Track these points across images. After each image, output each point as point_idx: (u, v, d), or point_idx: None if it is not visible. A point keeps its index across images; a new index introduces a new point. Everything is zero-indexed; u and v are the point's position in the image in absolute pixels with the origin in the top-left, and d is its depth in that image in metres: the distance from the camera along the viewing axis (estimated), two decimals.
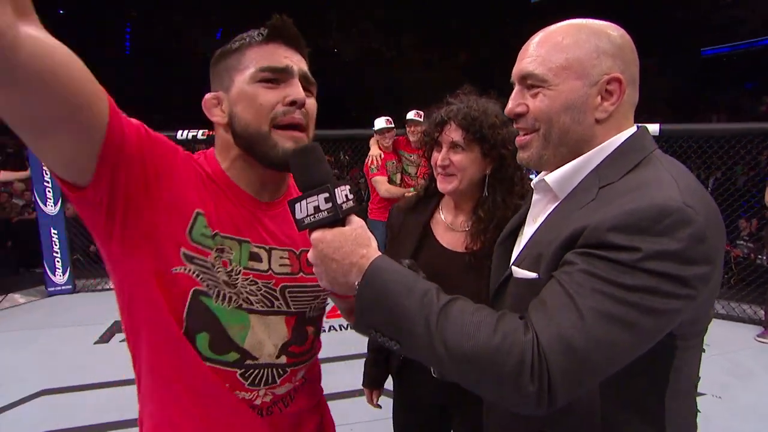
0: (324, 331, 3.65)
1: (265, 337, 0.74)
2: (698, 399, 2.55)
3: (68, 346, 3.08)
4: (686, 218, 0.53)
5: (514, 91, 0.70)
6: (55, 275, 4.20)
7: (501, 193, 1.06)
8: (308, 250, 0.64)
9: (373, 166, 3.41)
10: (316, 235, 0.61)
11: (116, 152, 0.58)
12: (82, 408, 2.36)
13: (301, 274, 0.79)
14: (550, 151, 0.67)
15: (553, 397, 0.52)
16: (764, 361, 2.92)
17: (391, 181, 3.51)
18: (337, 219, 0.61)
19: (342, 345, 3.02)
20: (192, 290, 0.67)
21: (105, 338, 3.21)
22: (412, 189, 3.34)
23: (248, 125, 0.68)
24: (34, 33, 0.47)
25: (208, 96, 0.72)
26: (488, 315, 0.56)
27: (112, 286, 4.44)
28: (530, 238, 0.71)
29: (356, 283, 0.60)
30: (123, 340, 3.73)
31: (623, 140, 0.65)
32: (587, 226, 0.57)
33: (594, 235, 0.56)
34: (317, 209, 0.61)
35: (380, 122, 3.47)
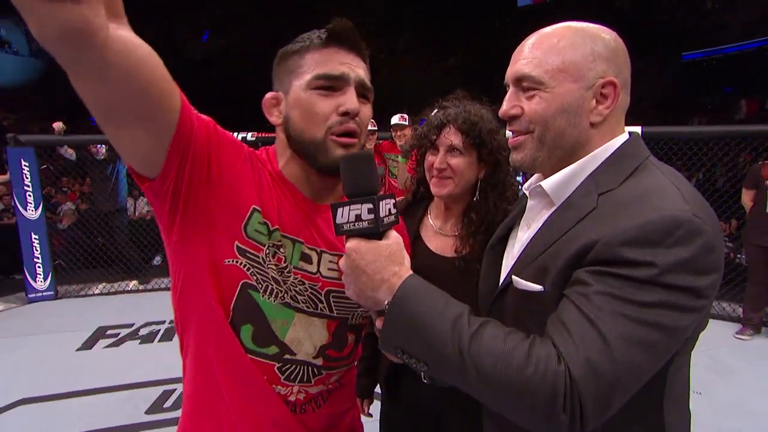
0: None
1: (306, 336, 0.75)
2: None
3: (50, 353, 3.00)
4: (697, 229, 0.53)
5: (509, 93, 0.69)
6: (36, 281, 4.10)
7: (493, 198, 1.06)
8: None
9: None
10: (351, 244, 0.61)
11: (184, 147, 0.61)
12: (64, 417, 2.30)
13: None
14: (545, 153, 0.66)
15: (585, 425, 0.52)
16: (743, 357, 3.00)
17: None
18: (375, 232, 0.60)
19: None
20: (241, 283, 0.69)
21: (88, 345, 3.14)
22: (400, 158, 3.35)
23: (303, 132, 0.69)
24: (123, 33, 0.51)
25: (268, 95, 0.73)
26: (521, 341, 0.55)
27: (96, 292, 4.34)
28: (527, 245, 0.69)
29: (386, 302, 0.59)
30: (106, 347, 3.67)
31: (617, 146, 0.65)
32: (598, 240, 0.56)
33: (606, 251, 0.55)
34: (358, 218, 0.60)
35: None
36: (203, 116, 0.66)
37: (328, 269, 0.76)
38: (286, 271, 0.71)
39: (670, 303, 0.52)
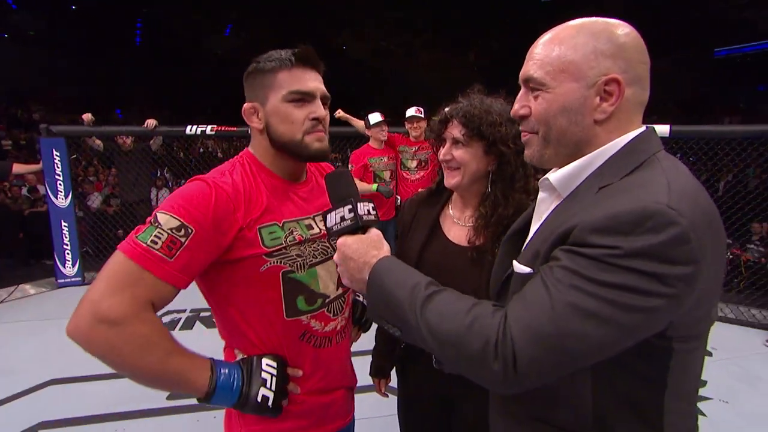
0: None
1: (328, 279, 0.97)
2: (705, 403, 2.54)
3: None
4: (668, 220, 0.54)
5: (520, 93, 0.72)
6: (65, 267, 4.26)
7: (502, 190, 1.08)
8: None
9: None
10: (341, 240, 0.75)
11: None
12: (91, 398, 2.40)
13: None
14: (551, 151, 0.69)
15: (521, 378, 0.56)
16: None
17: (379, 178, 3.53)
18: (357, 227, 0.75)
19: None
20: (280, 273, 0.89)
21: None
22: (374, 186, 3.40)
23: (283, 135, 0.90)
24: (138, 325, 0.73)
25: (247, 106, 0.92)
26: (466, 302, 0.63)
27: None
28: (534, 235, 0.73)
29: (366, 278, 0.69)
30: None
31: (627, 141, 0.65)
32: (577, 224, 0.59)
33: (579, 235, 0.58)
34: (343, 219, 0.76)
35: (375, 117, 3.48)
36: (193, 257, 0.80)
37: (323, 224, 0.95)
38: (304, 245, 0.92)
39: (630, 285, 0.54)
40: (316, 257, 0.95)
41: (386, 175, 3.58)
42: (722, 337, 3.25)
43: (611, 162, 0.65)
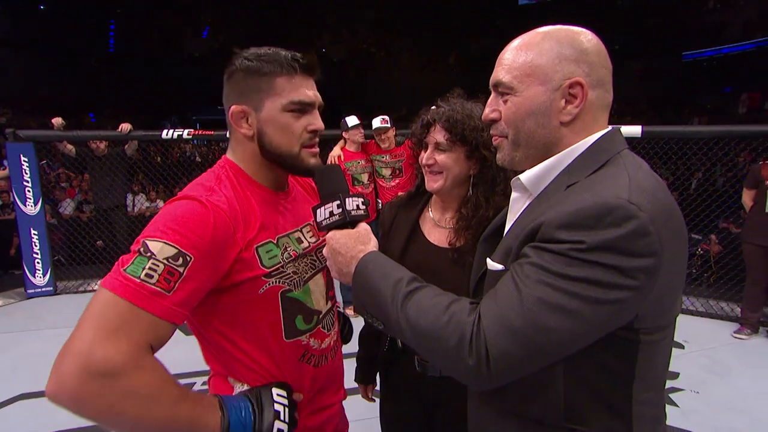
0: None
1: (319, 294, 0.93)
2: (677, 394, 2.63)
3: (49, 349, 2.98)
4: (628, 214, 0.56)
5: (490, 98, 0.75)
6: (35, 277, 4.10)
7: (484, 193, 1.10)
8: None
9: None
10: (330, 234, 0.78)
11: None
12: (63, 412, 2.30)
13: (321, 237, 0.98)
14: (521, 153, 0.72)
15: (493, 372, 0.58)
16: (741, 357, 3.01)
17: (357, 181, 3.51)
18: (345, 222, 0.77)
19: None
20: (279, 293, 0.84)
21: None
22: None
23: (280, 146, 0.83)
24: (140, 374, 0.64)
25: (235, 108, 0.82)
26: (444, 299, 0.65)
27: (95, 287, 4.36)
28: (506, 233, 0.75)
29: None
30: None
31: (593, 141, 0.68)
32: (544, 222, 0.61)
33: (546, 231, 0.60)
34: (331, 214, 0.78)
35: (352, 120, 3.44)
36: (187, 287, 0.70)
37: (311, 237, 0.94)
38: (297, 260, 0.88)
39: (594, 278, 0.56)
40: (308, 272, 0.90)
41: (364, 177, 3.56)
42: (693, 329, 3.38)
43: (578, 161, 0.67)
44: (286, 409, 0.78)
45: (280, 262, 0.83)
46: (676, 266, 0.62)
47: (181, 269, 0.67)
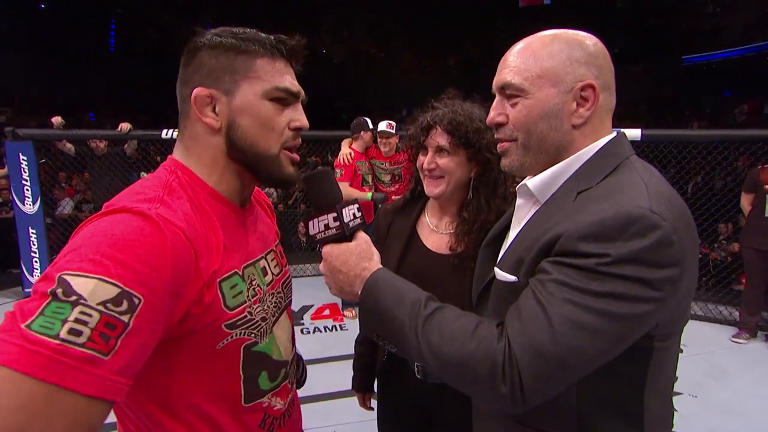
0: (308, 332, 3.63)
1: (285, 338, 0.77)
2: (675, 398, 2.61)
3: None
4: (652, 224, 0.55)
5: (495, 101, 0.72)
6: (33, 276, 4.08)
7: (485, 196, 1.07)
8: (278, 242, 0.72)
9: (338, 171, 3.36)
10: (326, 249, 0.70)
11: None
12: None
13: (286, 266, 0.83)
14: (531, 158, 0.70)
15: (527, 398, 0.56)
16: (739, 360, 3.01)
17: (363, 181, 3.50)
18: (344, 236, 0.70)
19: (326, 347, 3.02)
20: (242, 348, 0.65)
21: None
22: (368, 195, 3.33)
23: (256, 143, 0.65)
24: None
25: (200, 92, 0.63)
26: (469, 322, 0.61)
27: None
28: (513, 241, 0.73)
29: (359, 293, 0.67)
30: None
31: (601, 146, 0.67)
32: (562, 233, 0.59)
33: (567, 243, 0.58)
34: (327, 227, 0.70)
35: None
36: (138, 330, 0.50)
37: (275, 266, 0.78)
38: (265, 298, 0.70)
39: (620, 293, 0.55)
40: (275, 314, 0.73)
41: (369, 178, 3.56)
42: (691, 333, 3.36)
43: (587, 166, 0.67)
44: None
45: (245, 302, 0.64)
46: (693, 273, 0.62)
47: (125, 318, 0.47)
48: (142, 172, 4.50)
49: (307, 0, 14.64)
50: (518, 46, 0.70)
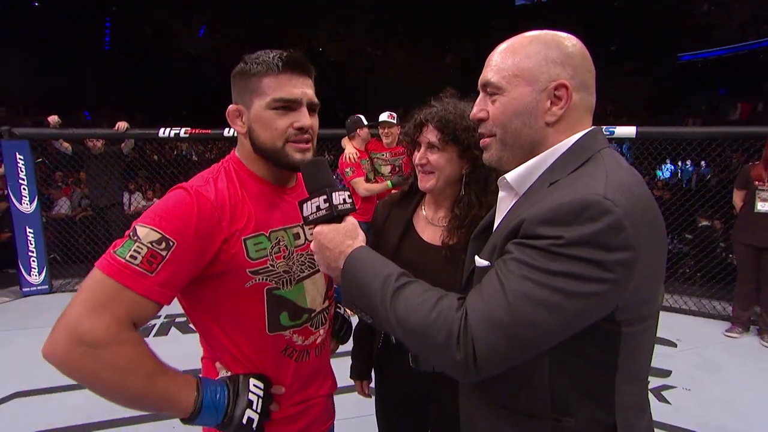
0: None
1: (316, 292, 0.96)
2: (669, 392, 2.65)
3: None
4: (604, 209, 0.58)
5: (479, 98, 0.76)
6: (30, 275, 4.08)
7: (476, 192, 1.11)
8: None
9: (348, 170, 3.37)
10: (317, 229, 0.78)
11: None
12: (57, 410, 2.31)
13: None
14: (508, 153, 0.74)
15: (480, 366, 0.60)
16: (732, 355, 3.05)
17: (367, 179, 3.50)
18: (333, 217, 0.77)
19: None
20: (265, 290, 0.87)
21: None
22: (389, 183, 3.34)
23: (265, 142, 0.87)
24: (119, 347, 0.69)
25: (232, 108, 0.89)
26: (433, 294, 0.66)
27: None
28: (494, 231, 0.77)
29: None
30: None
31: (575, 140, 0.70)
32: (526, 218, 0.63)
33: (528, 228, 0.63)
34: (318, 208, 0.77)
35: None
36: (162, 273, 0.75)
37: (311, 234, 0.91)
38: (290, 255, 0.90)
39: (574, 272, 0.59)
40: (304, 271, 0.93)
41: (372, 175, 3.56)
42: (685, 328, 3.41)
43: (561, 160, 0.70)
44: (260, 400, 0.82)
45: (266, 256, 0.85)
46: (655, 258, 0.64)
47: (163, 253, 0.73)
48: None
49: (307, 0, 14.58)
50: (502, 46, 0.73)
